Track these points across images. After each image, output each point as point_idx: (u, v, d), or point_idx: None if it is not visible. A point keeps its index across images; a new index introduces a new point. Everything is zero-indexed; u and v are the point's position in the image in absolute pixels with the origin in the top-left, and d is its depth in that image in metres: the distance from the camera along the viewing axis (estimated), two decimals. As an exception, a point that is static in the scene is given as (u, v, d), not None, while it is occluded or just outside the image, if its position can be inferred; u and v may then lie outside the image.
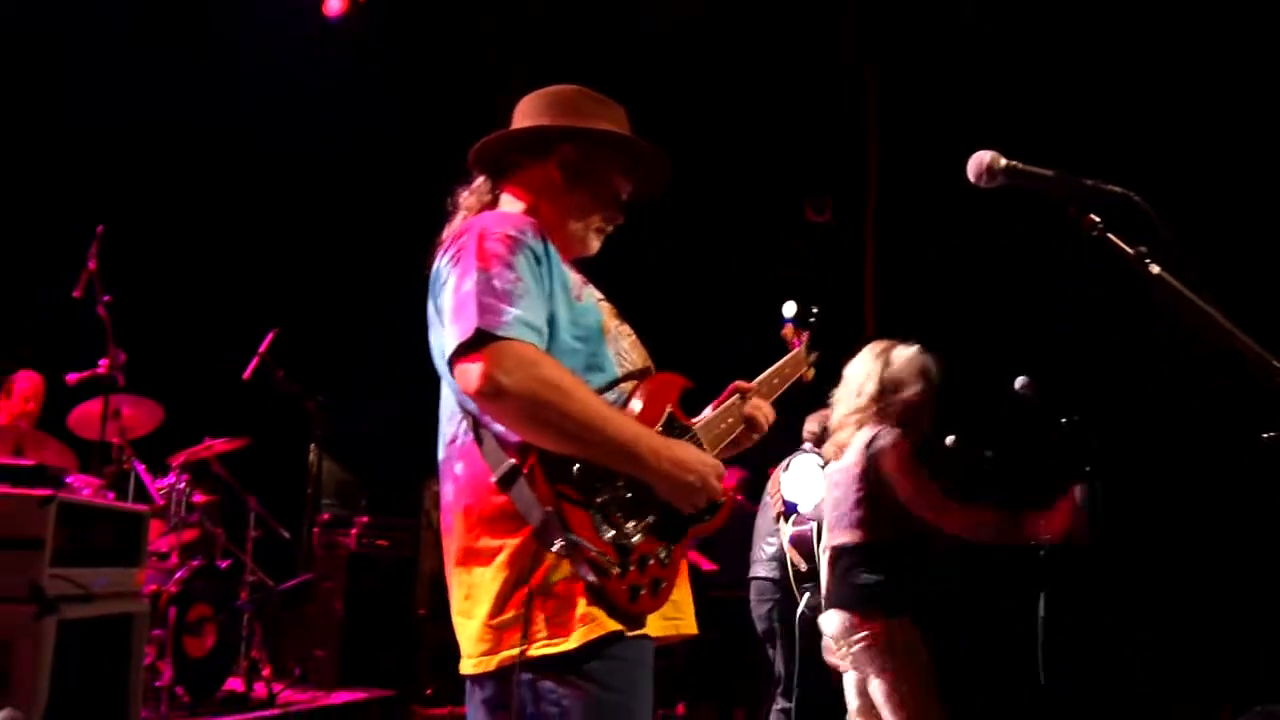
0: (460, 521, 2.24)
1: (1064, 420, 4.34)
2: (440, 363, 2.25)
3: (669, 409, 2.36)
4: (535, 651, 2.09)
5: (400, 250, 2.50)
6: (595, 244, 2.51)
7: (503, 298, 2.11)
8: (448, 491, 2.30)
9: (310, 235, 8.20)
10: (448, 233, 2.41)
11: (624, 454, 2.15)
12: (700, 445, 2.38)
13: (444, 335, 2.17)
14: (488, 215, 2.35)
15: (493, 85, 7.92)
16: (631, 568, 2.15)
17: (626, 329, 2.45)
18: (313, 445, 8.35)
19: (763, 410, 2.61)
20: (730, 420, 2.54)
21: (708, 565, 7.28)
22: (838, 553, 4.12)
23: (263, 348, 6.62)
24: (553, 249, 2.30)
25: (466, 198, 2.52)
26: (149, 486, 5.88)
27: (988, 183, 2.08)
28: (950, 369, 4.51)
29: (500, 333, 2.07)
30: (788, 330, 2.95)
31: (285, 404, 7.04)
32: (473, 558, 2.20)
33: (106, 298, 5.33)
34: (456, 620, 2.23)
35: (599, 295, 2.43)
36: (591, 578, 2.08)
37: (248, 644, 6.30)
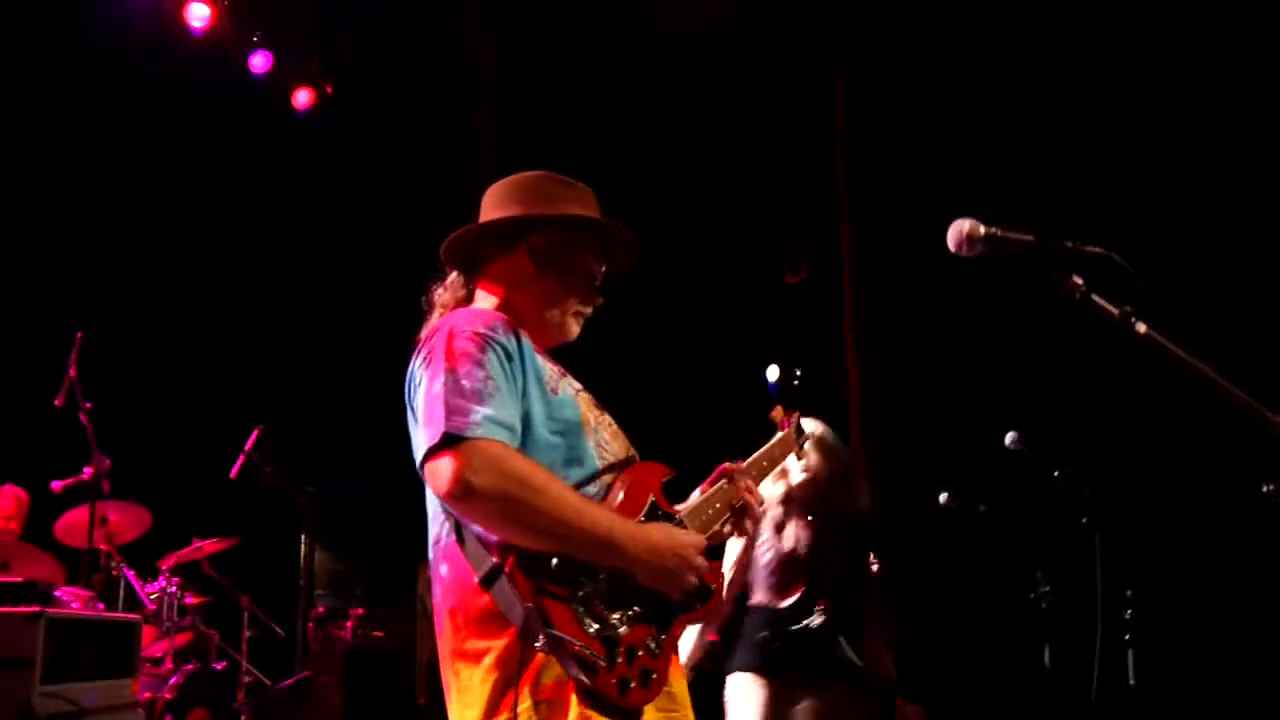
0: (448, 623, 2.23)
1: (1057, 474, 4.35)
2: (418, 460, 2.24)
3: (651, 497, 2.34)
4: None
5: (381, 336, 2.49)
6: (575, 329, 2.51)
7: (471, 397, 2.11)
8: (436, 593, 2.28)
9: (288, 328, 8.19)
10: (424, 331, 2.41)
11: (599, 545, 2.14)
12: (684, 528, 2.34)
13: (417, 436, 2.18)
14: (459, 313, 2.35)
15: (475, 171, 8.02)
16: (619, 660, 2.13)
17: (607, 419, 2.44)
18: (304, 537, 8.30)
19: (754, 494, 2.58)
20: (718, 505, 2.50)
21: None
22: None
23: (248, 445, 6.57)
24: (526, 343, 2.30)
25: (441, 294, 2.52)
26: (139, 592, 5.80)
27: (968, 251, 2.08)
28: (936, 423, 4.49)
29: (468, 434, 2.07)
30: (777, 412, 2.94)
31: (274, 500, 6.97)
32: (462, 659, 2.18)
33: (88, 404, 5.30)
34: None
35: (577, 386, 2.42)
36: (578, 674, 2.05)
37: (247, 747, 6.19)
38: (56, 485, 5.59)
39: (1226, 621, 4.99)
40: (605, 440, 2.37)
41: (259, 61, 8.25)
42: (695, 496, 2.50)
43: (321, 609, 7.88)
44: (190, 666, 5.75)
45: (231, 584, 6.56)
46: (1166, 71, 6.05)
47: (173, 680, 5.59)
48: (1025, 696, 5.53)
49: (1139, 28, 6.15)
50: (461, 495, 2.05)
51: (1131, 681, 4.23)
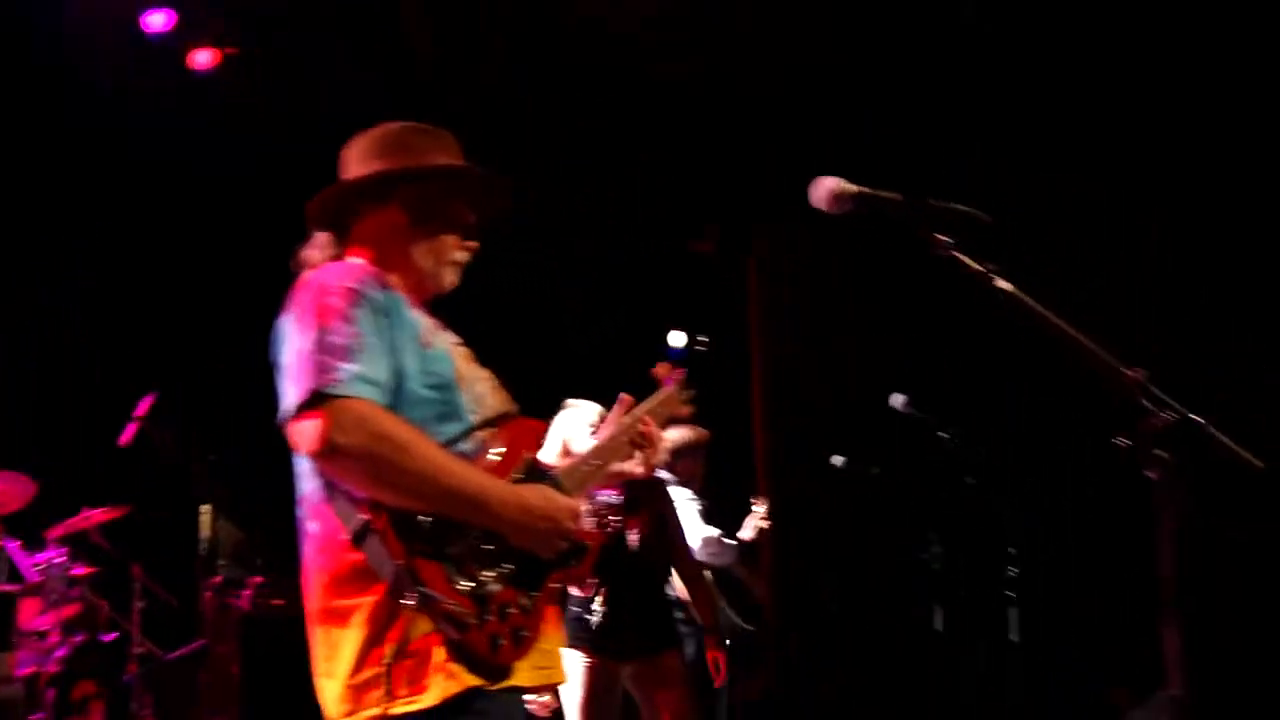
0: (316, 581, 2.22)
1: (943, 435, 4.43)
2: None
3: (528, 455, 2.34)
4: (396, 710, 2.07)
5: (280, 300, 2.43)
6: (451, 278, 2.48)
7: (339, 354, 2.10)
8: (305, 551, 2.27)
9: (183, 289, 8.00)
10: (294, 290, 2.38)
11: (469, 505, 2.14)
12: (562, 489, 2.34)
13: (284, 393, 2.16)
14: (329, 268, 2.33)
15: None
16: (490, 618, 2.12)
17: (484, 373, 2.43)
18: (206, 507, 8.15)
19: (653, 433, 2.57)
20: (596, 462, 2.50)
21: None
22: None
23: (139, 411, 6.42)
24: (398, 297, 2.28)
25: (311, 255, 2.48)
26: (20, 565, 5.65)
27: (836, 209, 2.09)
28: (835, 391, 4.55)
29: (336, 391, 2.06)
30: (661, 368, 2.92)
31: (167, 468, 6.84)
32: (330, 618, 2.17)
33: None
34: (318, 682, 2.20)
35: (454, 340, 2.41)
36: (449, 631, 2.06)
37: (138, 719, 6.08)
38: (-64, 455, 5.42)
39: (1104, 579, 5.12)
40: (481, 394, 2.36)
41: (158, 20, 8.02)
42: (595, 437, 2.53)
43: (219, 578, 7.75)
44: (78, 639, 5.63)
45: (122, 554, 6.42)
46: (1166, 71, 6.11)
47: (58, 653, 5.48)
48: (919, 657, 5.65)
49: (1139, 28, 6.20)
50: (328, 454, 2.05)
51: (1014, 638, 4.33)
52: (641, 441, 2.55)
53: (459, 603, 2.08)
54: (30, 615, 5.61)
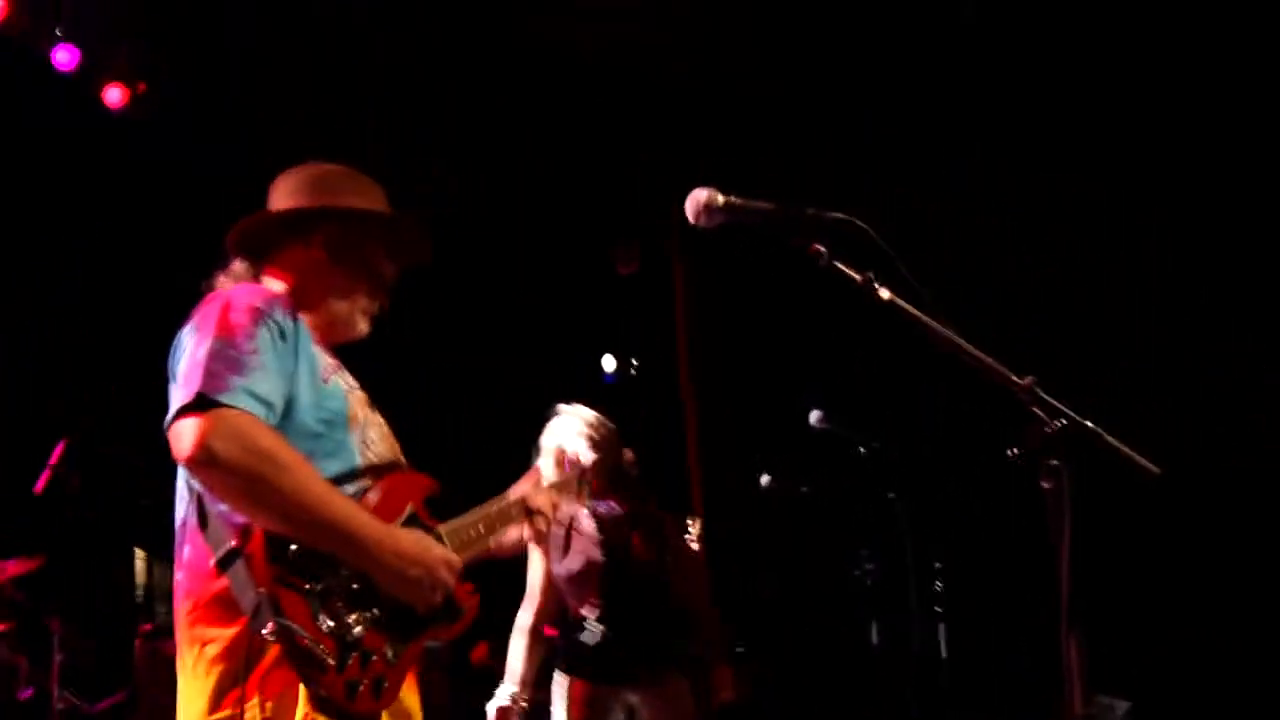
0: (182, 608, 2.14)
1: (863, 449, 4.40)
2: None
3: (411, 507, 2.26)
4: None
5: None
6: (363, 326, 2.45)
7: (233, 367, 2.05)
8: (176, 578, 2.19)
9: (91, 334, 7.83)
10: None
11: (340, 538, 2.05)
12: (442, 543, 2.28)
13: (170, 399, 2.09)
14: (238, 287, 2.30)
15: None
16: (350, 661, 2.03)
17: (377, 419, 2.38)
18: (141, 553, 7.97)
19: (550, 508, 2.65)
20: (481, 527, 2.45)
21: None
22: None
23: (53, 459, 6.25)
24: (304, 328, 2.23)
25: (224, 281, 2.42)
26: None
27: (707, 221, 2.03)
28: (766, 407, 4.50)
29: (222, 399, 2.00)
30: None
31: (88, 514, 6.67)
32: (190, 646, 2.09)
33: None
34: (177, 716, 2.12)
35: (352, 383, 2.36)
36: (304, 668, 1.96)
37: (62, 778, 5.89)
38: None
39: (1021, 587, 5.10)
40: (372, 439, 2.31)
41: (64, 57, 7.88)
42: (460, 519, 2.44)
43: (150, 625, 7.57)
44: (-9, 696, 5.44)
45: (41, 606, 6.22)
46: (1166, 72, 6.13)
47: (-30, 712, 5.29)
48: (855, 673, 5.59)
49: (1139, 28, 6.22)
50: (203, 461, 1.98)
51: (944, 654, 4.28)
52: (535, 511, 2.59)
53: (319, 640, 1.99)
54: (-61, 674, 5.42)
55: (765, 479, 5.22)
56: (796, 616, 6.04)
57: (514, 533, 2.59)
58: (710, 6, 6.91)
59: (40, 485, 6.26)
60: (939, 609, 4.31)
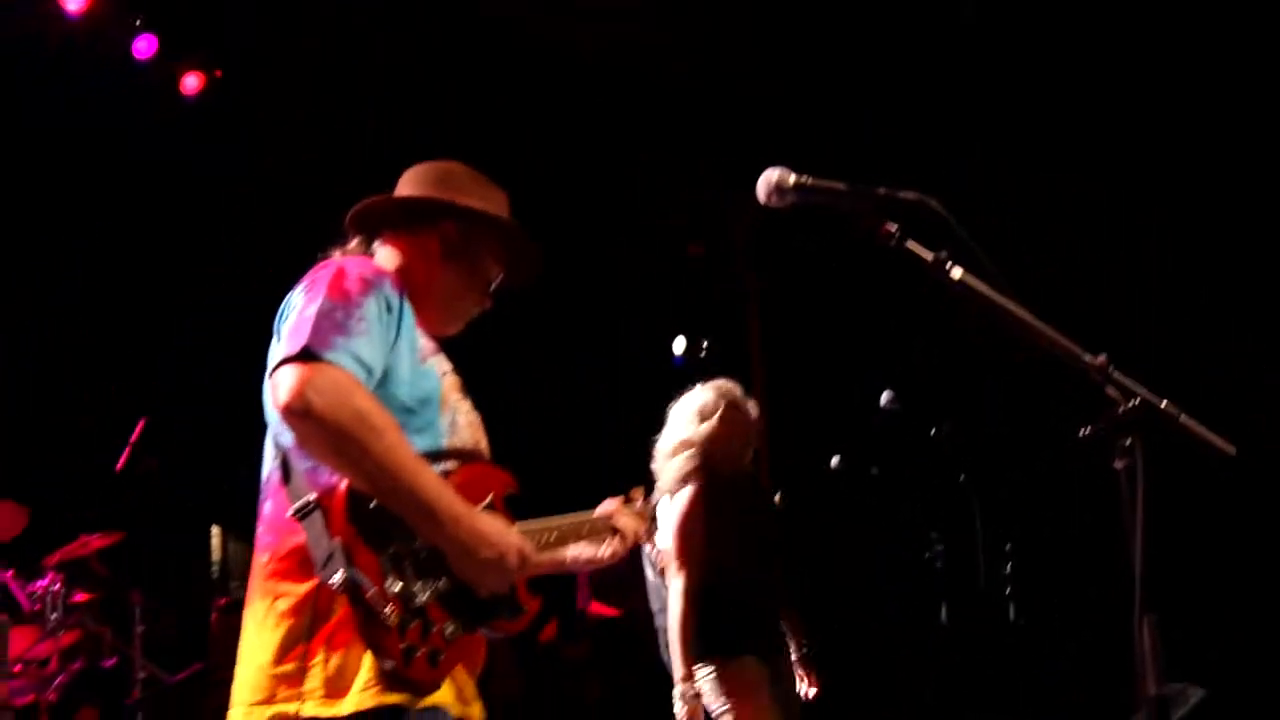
0: (258, 560, 2.18)
1: (933, 430, 4.38)
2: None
3: (490, 497, 2.28)
4: (308, 712, 2.01)
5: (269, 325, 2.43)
6: (457, 326, 2.51)
7: (339, 328, 2.08)
8: (258, 531, 2.23)
9: (176, 314, 7.99)
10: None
11: (421, 508, 2.06)
12: None
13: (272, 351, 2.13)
14: (350, 258, 2.33)
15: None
16: (412, 626, 2.04)
17: (467, 406, 2.40)
18: (216, 529, 8.14)
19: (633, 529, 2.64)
20: (557, 533, 2.48)
21: (610, 611, 7.17)
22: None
23: (133, 437, 6.41)
24: (408, 307, 2.27)
25: (338, 256, 2.44)
26: (16, 593, 5.62)
27: (779, 201, 2.03)
28: (837, 389, 4.48)
29: (326, 355, 2.02)
30: (637, 492, 2.94)
31: (167, 491, 6.82)
32: (263, 599, 2.12)
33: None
34: (239, 665, 2.17)
35: (447, 368, 2.39)
36: (365, 623, 1.98)
37: (143, 745, 6.04)
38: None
39: (1091, 569, 5.05)
40: (459, 425, 2.33)
41: (143, 46, 8.03)
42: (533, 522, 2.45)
43: (226, 599, 7.73)
44: (77, 665, 5.60)
45: (124, 579, 6.38)
46: (1166, 72, 6.07)
47: (58, 681, 5.45)
48: (927, 655, 5.58)
49: (1140, 27, 6.16)
50: (299, 410, 1.98)
51: (1013, 634, 4.26)
52: (618, 532, 2.60)
53: (385, 599, 2.01)
54: (28, 644, 5.58)
55: (835, 460, 5.22)
56: (866, 598, 6.03)
57: (589, 550, 2.58)
58: (710, 6, 6.92)
59: (121, 463, 6.43)
60: (1009, 590, 4.28)
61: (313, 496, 2.06)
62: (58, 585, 5.80)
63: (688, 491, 4.04)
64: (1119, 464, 1.93)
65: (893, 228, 2.02)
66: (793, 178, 2.02)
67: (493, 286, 2.52)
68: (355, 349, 2.07)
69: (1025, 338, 2.00)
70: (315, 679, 2.02)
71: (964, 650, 5.00)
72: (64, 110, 7.13)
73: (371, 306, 2.15)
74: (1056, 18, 6.34)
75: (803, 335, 7.20)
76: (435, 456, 2.21)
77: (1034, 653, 4.39)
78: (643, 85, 7.63)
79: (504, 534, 2.18)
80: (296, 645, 2.04)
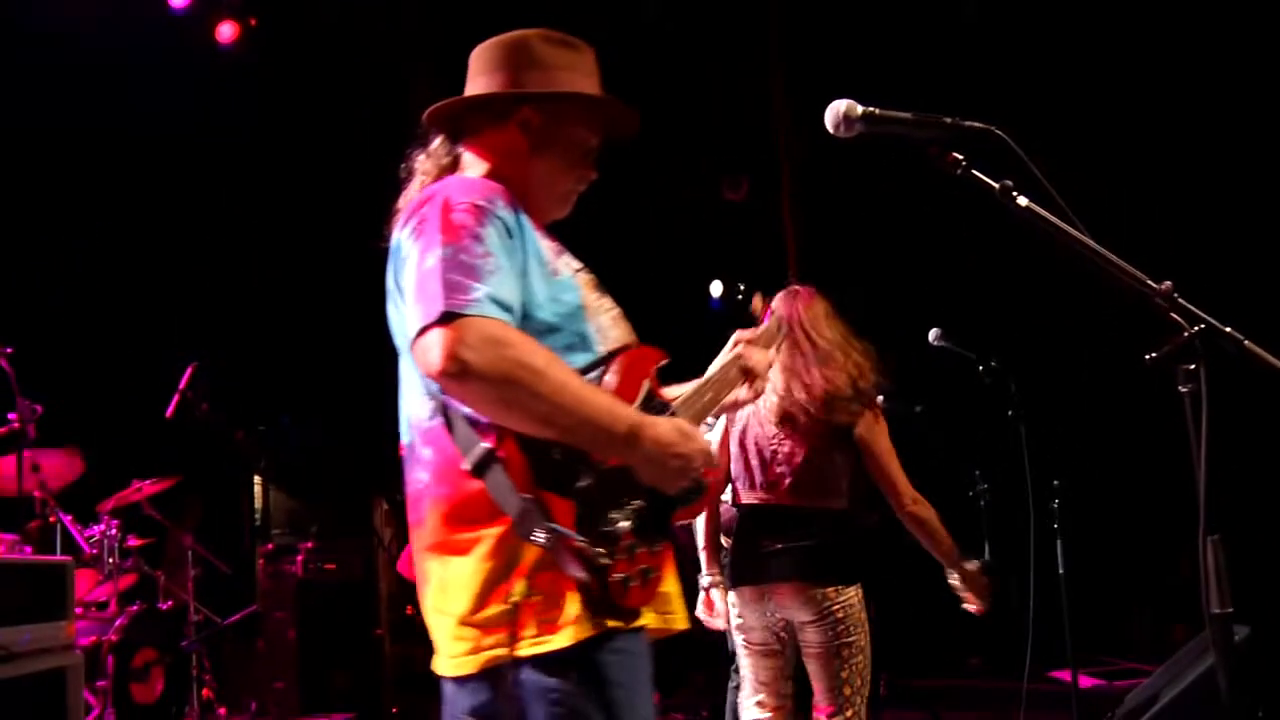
0: (432, 510, 2.08)
1: (982, 367, 4.37)
2: (400, 341, 2.12)
3: (646, 384, 2.18)
4: (524, 651, 1.95)
5: (320, 268, 2.40)
6: (567, 208, 2.37)
7: (470, 273, 1.96)
8: (417, 479, 2.13)
9: (223, 260, 8.06)
10: (404, 201, 2.26)
11: (600, 436, 1.99)
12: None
13: (406, 314, 2.03)
14: (452, 182, 2.18)
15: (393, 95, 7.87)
16: (620, 558, 2.00)
17: (607, 302, 2.28)
18: (257, 476, 8.24)
19: (765, 363, 2.51)
20: (710, 395, 2.40)
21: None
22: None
23: (182, 383, 6.48)
24: (525, 220, 2.15)
25: (423, 162, 2.35)
26: (76, 537, 5.73)
27: (846, 131, 2.05)
28: (877, 331, 4.47)
29: (468, 311, 1.91)
30: (756, 302, 2.82)
31: (214, 437, 6.90)
32: (448, 549, 2.04)
33: (8, 350, 5.19)
34: (431, 617, 2.08)
35: (577, 265, 2.27)
36: (579, 572, 1.93)
37: (198, 684, 6.18)
38: (-15, 434, 5.48)
39: (1146, 503, 5.06)
40: (605, 325, 2.22)
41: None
42: (687, 387, 2.36)
43: (271, 545, 7.86)
44: (135, 608, 5.72)
45: (174, 524, 6.50)
46: (1167, 72, 6.01)
47: (118, 622, 5.57)
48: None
49: (1140, 26, 6.09)
50: (456, 374, 1.89)
51: (1061, 571, 4.28)
52: (749, 371, 2.47)
53: (589, 541, 1.94)
54: (87, 587, 5.71)
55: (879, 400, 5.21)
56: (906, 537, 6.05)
57: (734, 395, 2.50)
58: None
59: (171, 409, 6.50)
60: (1056, 526, 4.29)
61: (485, 447, 1.97)
62: (113, 530, 5.92)
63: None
64: (1184, 388, 1.94)
65: (958, 156, 2.03)
66: (860, 108, 2.03)
67: (593, 154, 2.35)
68: (493, 292, 1.96)
69: (1090, 265, 2.01)
70: (525, 618, 1.95)
71: (1009, 589, 5.02)
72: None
73: (493, 236, 2.03)
74: (1056, 18, 6.31)
75: (841, 277, 7.18)
76: (592, 368, 2.13)
77: (1081, 589, 4.40)
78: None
79: (687, 437, 2.09)
80: (497, 587, 1.97)
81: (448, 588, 2.03)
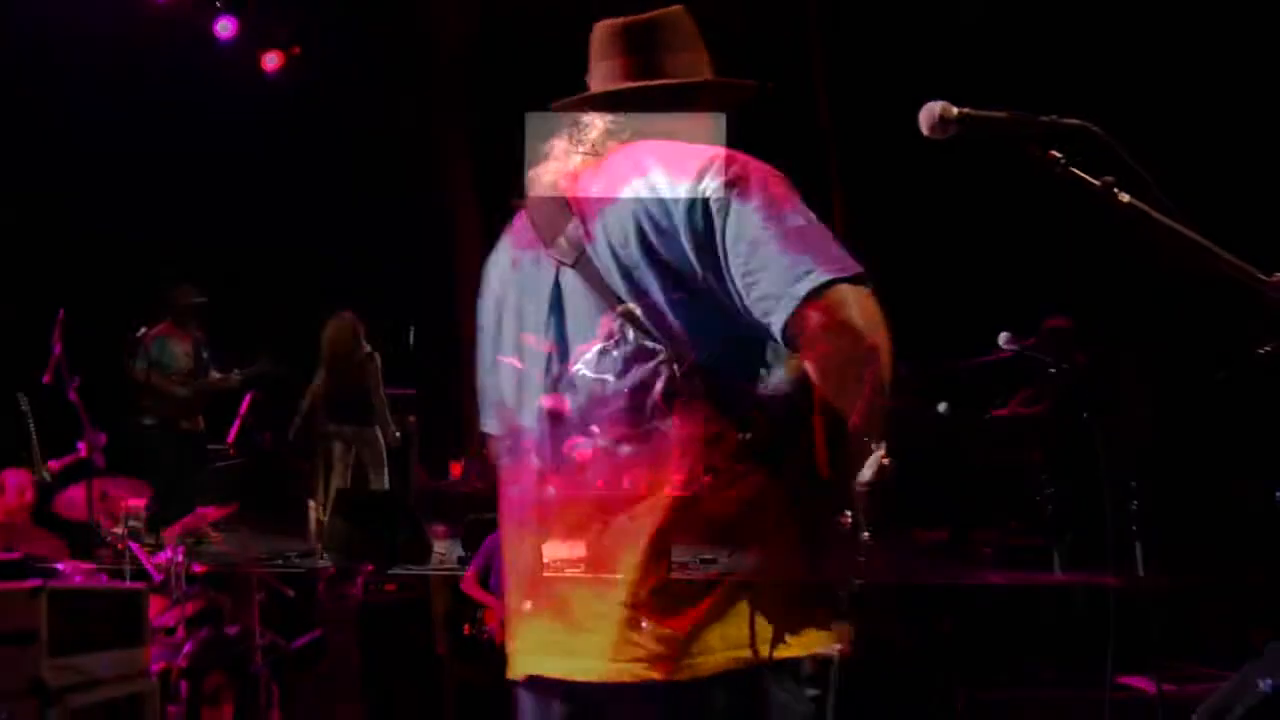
0: (661, 494, 1.94)
1: (1053, 370, 4.31)
2: (655, 285, 1.99)
3: None
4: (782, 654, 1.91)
5: (359, 300, 2.39)
6: None
7: (830, 238, 1.94)
8: (620, 451, 1.97)
9: (282, 293, 8.11)
10: (595, 167, 2.15)
11: (876, 415, 1.88)
12: None
13: (773, 260, 1.89)
14: (741, 155, 2.05)
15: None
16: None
17: None
18: (310, 502, 8.29)
19: None
20: None
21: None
22: None
23: (242, 410, 6.54)
24: None
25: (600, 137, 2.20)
26: (145, 564, 5.77)
27: (942, 133, 2.02)
28: (933, 334, 4.43)
29: (868, 284, 1.90)
30: None
31: (274, 463, 6.96)
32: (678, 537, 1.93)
33: (75, 381, 5.25)
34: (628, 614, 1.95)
35: None
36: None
37: (267, 708, 6.19)
38: (54, 464, 5.55)
39: (1232, 501, 4.97)
40: None
41: (224, 26, 8.16)
42: None
43: (332, 569, 7.87)
44: (203, 633, 5.74)
45: (238, 549, 6.53)
46: (1167, 72, 5.97)
47: (186, 648, 5.58)
48: (1038, 600, 5.51)
49: (1140, 26, 6.06)
50: (870, 332, 1.84)
51: (1141, 573, 4.21)
52: None
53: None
54: (157, 613, 5.74)
55: (942, 406, 5.15)
56: (979, 544, 5.98)
57: None
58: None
59: (231, 436, 6.56)
60: (1135, 528, 4.22)
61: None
62: (179, 556, 5.95)
63: None
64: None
65: (1058, 154, 2.00)
66: (955, 109, 2.01)
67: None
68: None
69: (1198, 259, 1.98)
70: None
71: (1083, 594, 4.94)
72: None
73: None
74: (1056, 18, 6.29)
75: (914, 271, 7.13)
76: None
77: (1161, 593, 4.33)
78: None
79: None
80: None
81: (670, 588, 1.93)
